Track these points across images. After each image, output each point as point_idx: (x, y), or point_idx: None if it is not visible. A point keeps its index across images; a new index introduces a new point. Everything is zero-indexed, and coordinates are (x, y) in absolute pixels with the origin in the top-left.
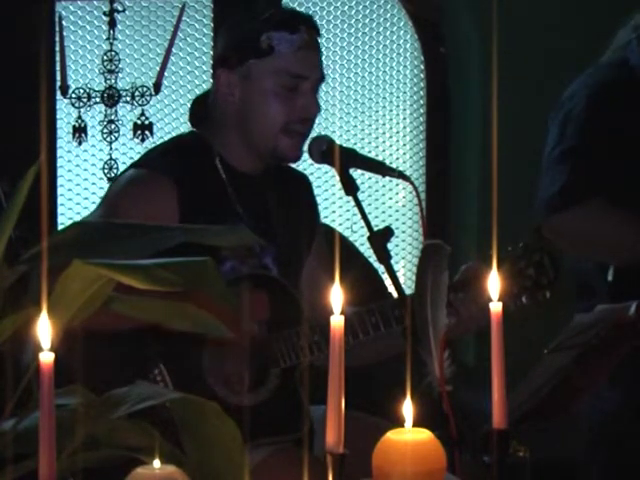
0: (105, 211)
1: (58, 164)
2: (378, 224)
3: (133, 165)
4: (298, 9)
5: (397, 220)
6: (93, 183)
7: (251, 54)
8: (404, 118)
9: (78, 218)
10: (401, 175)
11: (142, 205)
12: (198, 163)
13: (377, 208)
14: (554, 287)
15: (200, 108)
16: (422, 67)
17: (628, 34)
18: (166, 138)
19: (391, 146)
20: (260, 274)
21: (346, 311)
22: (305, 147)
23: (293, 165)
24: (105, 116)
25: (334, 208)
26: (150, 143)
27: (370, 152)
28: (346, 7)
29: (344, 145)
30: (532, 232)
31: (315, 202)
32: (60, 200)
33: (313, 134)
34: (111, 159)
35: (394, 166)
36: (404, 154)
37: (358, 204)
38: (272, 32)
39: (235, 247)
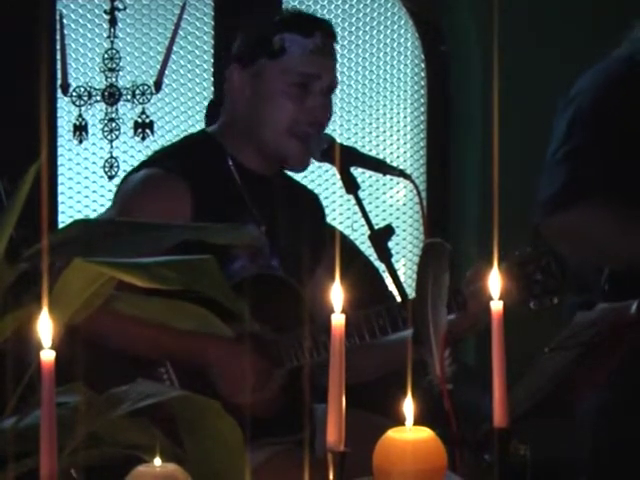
0: (118, 211)
1: (59, 162)
2: (379, 223)
3: (145, 164)
4: (306, 11)
5: (398, 219)
6: (94, 181)
7: (263, 54)
8: (405, 117)
9: (79, 216)
10: (402, 174)
11: (157, 205)
12: (210, 163)
13: (378, 207)
14: (562, 292)
15: (215, 109)
16: (423, 65)
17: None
18: (167, 136)
19: (392, 144)
20: (267, 274)
21: (353, 313)
22: None
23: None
24: (106, 114)
25: (335, 207)
26: (151, 141)
27: (371, 150)
28: (347, 6)
29: (345, 143)
30: (531, 232)
31: (324, 217)
32: (61, 198)
33: None
34: (112, 157)
35: (395, 164)
36: (405, 152)
37: (359, 203)
38: (285, 34)
39: (245, 246)
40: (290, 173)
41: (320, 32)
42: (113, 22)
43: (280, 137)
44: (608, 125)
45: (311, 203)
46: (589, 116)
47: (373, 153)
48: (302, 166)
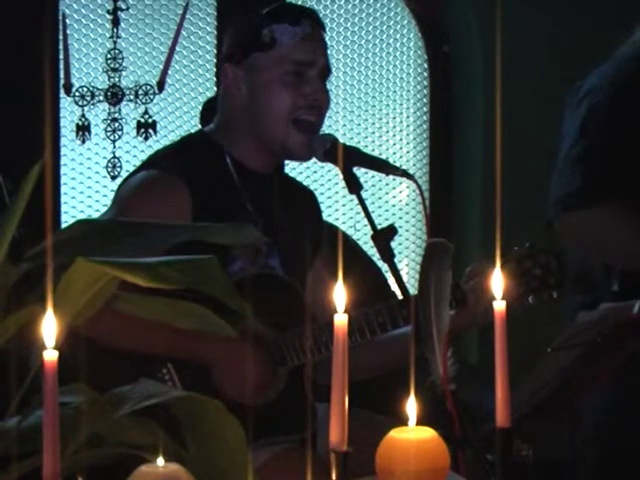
0: (117, 212)
1: (62, 162)
2: (381, 223)
3: (143, 166)
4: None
5: (401, 219)
6: (96, 181)
7: (254, 48)
8: (407, 117)
9: (81, 216)
10: (405, 174)
11: (155, 206)
12: (208, 163)
13: (380, 207)
14: (561, 287)
15: (210, 109)
16: (425, 66)
17: None
18: (170, 136)
19: (394, 145)
20: (267, 274)
21: (354, 311)
22: None
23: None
24: (109, 114)
25: (337, 207)
26: (153, 141)
27: (374, 150)
28: (350, 6)
29: (347, 143)
30: (543, 228)
31: (321, 214)
32: (63, 198)
33: None
34: (114, 157)
35: (397, 164)
36: (407, 152)
37: (362, 202)
38: (274, 25)
39: (244, 247)
40: (287, 170)
41: (307, 19)
42: (116, 22)
43: (282, 127)
44: (623, 123)
45: (308, 200)
46: (603, 114)
47: (376, 153)
48: (305, 157)
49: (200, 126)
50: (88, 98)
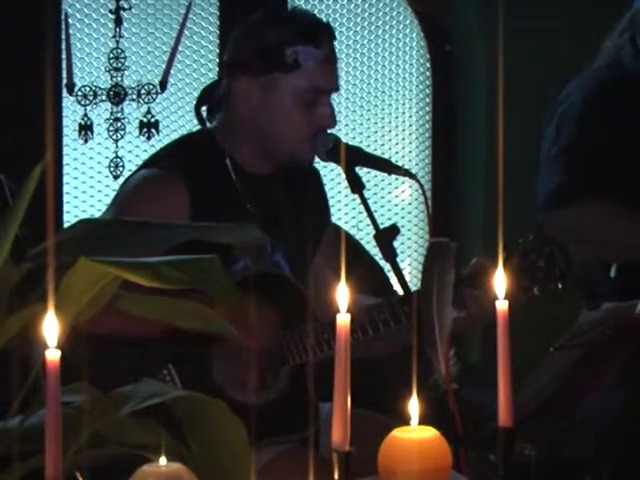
0: (117, 211)
1: (64, 162)
2: (384, 222)
3: (144, 165)
4: (305, 8)
5: (403, 218)
6: (99, 181)
7: (276, 67)
8: (410, 116)
9: (84, 216)
10: (407, 173)
11: (154, 205)
12: (208, 163)
13: (383, 206)
14: (566, 279)
15: (209, 98)
16: (428, 65)
17: (616, 40)
18: (172, 136)
19: (397, 144)
20: (269, 272)
21: (359, 305)
22: None
23: None
24: (111, 114)
25: (340, 206)
26: (156, 141)
27: (376, 150)
28: (352, 5)
29: (350, 143)
30: (536, 230)
31: (325, 196)
32: (66, 198)
33: None
34: (117, 157)
35: (400, 164)
36: (410, 152)
37: (364, 202)
38: (298, 46)
39: (247, 246)
40: None
41: (327, 39)
42: (118, 22)
43: (289, 145)
44: (595, 124)
45: (312, 188)
46: (576, 115)
47: (378, 152)
48: (308, 162)
49: (195, 112)
50: (90, 97)
